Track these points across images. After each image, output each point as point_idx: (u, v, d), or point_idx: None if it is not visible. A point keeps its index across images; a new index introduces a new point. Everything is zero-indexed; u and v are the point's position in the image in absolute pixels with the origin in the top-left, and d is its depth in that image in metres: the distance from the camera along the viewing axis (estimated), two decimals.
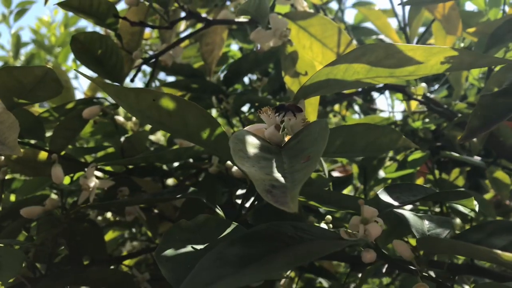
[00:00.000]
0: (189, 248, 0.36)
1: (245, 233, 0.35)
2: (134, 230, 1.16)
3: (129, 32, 0.70)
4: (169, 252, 0.35)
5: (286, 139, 0.46)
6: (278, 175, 0.34)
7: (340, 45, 0.68)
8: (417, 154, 0.90)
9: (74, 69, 0.75)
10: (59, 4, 0.56)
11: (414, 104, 0.93)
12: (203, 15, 0.77)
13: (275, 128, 0.44)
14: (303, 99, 0.46)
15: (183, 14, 0.71)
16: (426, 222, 0.45)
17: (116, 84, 0.65)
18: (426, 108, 0.93)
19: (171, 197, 0.51)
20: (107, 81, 0.67)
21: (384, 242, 0.56)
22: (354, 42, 1.05)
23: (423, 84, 0.97)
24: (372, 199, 0.43)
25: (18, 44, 2.15)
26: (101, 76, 0.65)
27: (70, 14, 2.17)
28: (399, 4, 0.72)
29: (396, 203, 0.41)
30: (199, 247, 0.37)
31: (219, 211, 0.49)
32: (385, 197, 0.42)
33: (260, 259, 0.32)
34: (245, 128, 0.45)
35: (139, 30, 0.70)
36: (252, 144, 0.39)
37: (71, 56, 2.16)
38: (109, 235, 1.11)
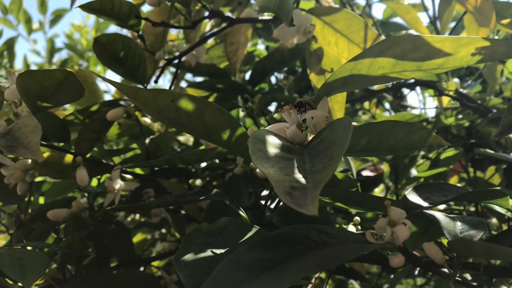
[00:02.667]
0: (208, 253, 0.35)
1: (265, 237, 0.34)
2: (164, 231, 1.16)
3: (152, 34, 0.70)
4: (188, 256, 0.34)
5: (310, 137, 0.44)
6: (298, 176, 0.33)
7: (367, 40, 0.66)
8: (450, 152, 0.87)
9: (93, 71, 0.74)
10: (81, 6, 0.56)
11: (446, 100, 0.90)
12: (227, 14, 0.77)
13: (297, 127, 0.42)
14: (326, 96, 0.45)
15: (206, 14, 0.71)
16: (459, 223, 0.42)
17: (137, 86, 0.65)
18: (459, 104, 0.90)
19: (194, 199, 0.50)
20: (131, 83, 0.67)
21: (414, 244, 0.53)
22: (382, 37, 1.02)
23: (456, 80, 0.93)
24: (400, 200, 0.41)
25: (52, 49, 2.20)
26: (124, 78, 0.65)
27: (101, 20, 2.21)
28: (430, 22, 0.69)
29: (425, 204, 0.38)
30: (219, 251, 0.36)
31: (242, 213, 0.48)
32: (414, 198, 0.40)
33: (280, 264, 0.31)
34: (267, 128, 0.44)
35: (162, 31, 0.70)
36: (273, 144, 0.38)
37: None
38: (138, 237, 1.11)
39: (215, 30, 0.96)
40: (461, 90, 0.92)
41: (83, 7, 0.56)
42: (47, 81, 0.49)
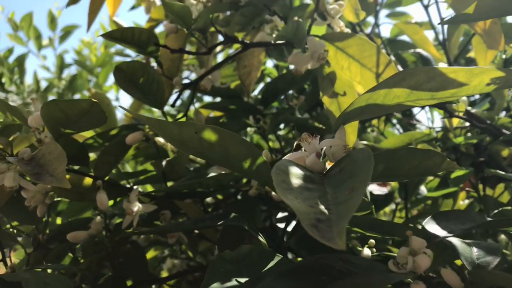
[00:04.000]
0: (234, 282, 0.36)
1: (291, 267, 0.35)
2: (174, 247, 1.17)
3: (169, 59, 0.72)
4: (215, 286, 0.36)
5: (328, 165, 0.46)
6: (322, 207, 0.34)
7: (379, 65, 0.67)
8: (460, 172, 0.88)
9: (121, 106, 0.76)
10: (103, 35, 0.58)
11: (456, 121, 0.91)
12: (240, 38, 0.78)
13: (316, 156, 0.44)
14: (343, 125, 0.46)
15: (220, 37, 0.72)
16: (475, 249, 0.44)
17: (158, 109, 0.66)
18: (468, 123, 0.91)
19: (213, 224, 0.52)
20: (149, 107, 0.68)
21: (430, 267, 0.54)
22: (392, 58, 1.04)
23: (464, 98, 0.95)
24: (420, 230, 0.42)
25: (62, 65, 2.23)
26: (142, 102, 0.67)
27: None
28: (439, 23, 0.71)
29: (444, 233, 0.40)
30: (243, 280, 0.37)
31: (261, 239, 0.49)
32: (433, 227, 0.41)
33: None
34: (286, 157, 0.46)
35: (178, 55, 0.72)
36: (295, 174, 0.39)
37: (112, 75, 2.23)
38: (150, 253, 1.12)
39: (228, 50, 0.98)
40: (469, 108, 0.93)
41: (105, 35, 0.58)
42: (72, 110, 0.51)
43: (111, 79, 2.25)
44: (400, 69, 1.10)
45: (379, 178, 0.49)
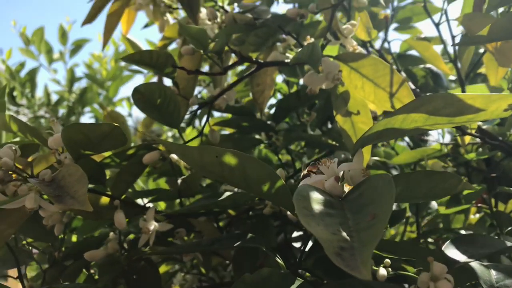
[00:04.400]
0: None
1: None
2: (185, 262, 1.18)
3: (184, 78, 0.73)
4: None
5: (346, 188, 0.46)
6: (344, 234, 0.34)
7: (393, 84, 0.68)
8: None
9: (129, 115, 0.77)
10: (123, 59, 0.59)
11: (468, 138, 0.91)
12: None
13: (335, 180, 0.44)
14: (361, 149, 0.47)
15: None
16: (494, 272, 0.44)
17: (174, 128, 0.67)
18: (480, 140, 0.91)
19: (230, 245, 0.52)
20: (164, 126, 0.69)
21: None
22: (403, 74, 1.04)
23: None
24: (439, 254, 0.42)
25: (72, 79, 2.26)
26: (159, 121, 0.68)
27: (121, 49, 2.26)
28: (452, 45, 0.71)
29: (464, 257, 0.40)
30: None
31: (279, 260, 0.50)
32: (453, 252, 0.41)
33: None
34: (305, 181, 0.46)
35: (194, 75, 0.73)
36: (316, 200, 0.40)
37: (121, 89, 2.25)
38: (162, 268, 1.13)
39: (238, 68, 0.99)
40: (480, 123, 0.93)
41: (125, 59, 0.59)
42: (93, 134, 0.52)
43: (121, 92, 2.27)
44: (411, 85, 1.10)
45: (396, 201, 0.50)
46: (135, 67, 1.61)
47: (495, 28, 0.56)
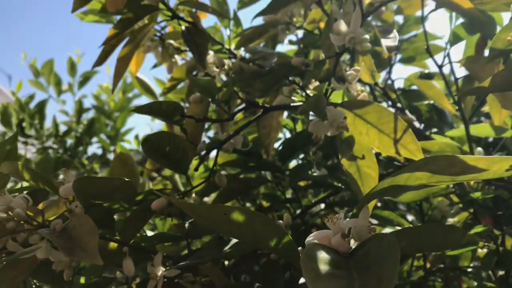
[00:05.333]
0: None
1: None
2: None
3: (192, 124, 0.74)
4: None
5: (352, 243, 0.47)
6: None
7: (397, 131, 0.69)
8: (479, 228, 0.88)
9: (138, 152, 0.79)
10: (135, 110, 0.61)
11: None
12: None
13: (342, 237, 0.45)
14: (367, 205, 0.48)
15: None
16: None
17: (182, 174, 0.68)
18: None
19: None
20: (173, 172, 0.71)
21: None
22: (408, 114, 1.05)
23: (479, 149, 0.96)
24: None
25: (80, 110, 2.29)
26: (167, 168, 0.69)
27: (128, 80, 2.30)
28: (455, 95, 0.73)
29: None
30: None
31: None
32: None
33: None
34: (311, 236, 0.47)
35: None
36: (322, 260, 0.40)
37: (129, 120, 2.29)
38: None
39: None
40: None
41: (136, 111, 0.61)
42: (104, 187, 0.53)
43: (129, 123, 2.30)
44: (417, 124, 1.12)
45: (401, 252, 0.50)
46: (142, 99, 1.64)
47: (496, 80, 0.57)
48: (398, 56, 1.22)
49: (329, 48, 0.75)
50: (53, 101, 2.37)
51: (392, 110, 1.16)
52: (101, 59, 0.91)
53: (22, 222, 0.58)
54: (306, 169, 0.97)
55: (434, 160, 0.43)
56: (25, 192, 0.73)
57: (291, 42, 1.03)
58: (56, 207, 0.70)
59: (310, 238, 0.47)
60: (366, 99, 0.76)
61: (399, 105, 1.14)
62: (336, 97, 0.83)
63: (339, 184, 0.87)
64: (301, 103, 0.79)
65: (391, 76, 1.13)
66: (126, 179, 0.50)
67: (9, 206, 0.57)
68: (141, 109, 0.61)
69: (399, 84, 1.77)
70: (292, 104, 0.79)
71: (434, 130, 1.26)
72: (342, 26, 0.64)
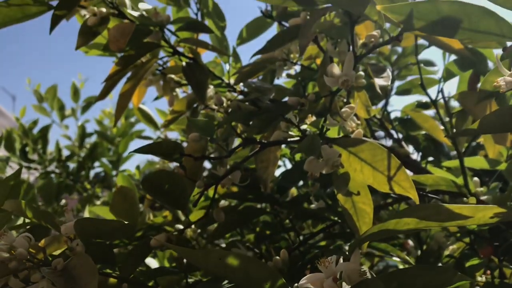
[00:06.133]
0: None
1: None
2: None
3: (191, 160, 0.76)
4: None
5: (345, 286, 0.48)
6: None
7: (391, 168, 0.71)
8: (476, 260, 0.89)
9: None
10: (135, 151, 0.63)
11: None
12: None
13: (333, 281, 0.47)
14: (358, 249, 0.49)
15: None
16: None
17: (180, 210, 0.70)
18: None
19: None
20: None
21: None
22: (407, 147, 1.07)
23: (475, 179, 0.97)
24: None
25: (83, 135, 2.32)
26: (167, 205, 0.71)
27: (130, 106, 2.33)
28: (449, 136, 0.75)
29: None
30: None
31: None
32: None
33: None
34: (304, 280, 0.48)
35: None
36: None
37: (131, 144, 2.31)
38: None
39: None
40: (480, 190, 0.95)
41: (138, 151, 0.63)
42: (105, 227, 0.55)
43: (131, 147, 2.33)
44: (414, 157, 1.14)
45: None
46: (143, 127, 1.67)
47: (485, 122, 0.59)
48: (395, 86, 1.25)
49: (324, 86, 0.77)
50: (56, 125, 2.41)
51: (389, 141, 1.18)
52: (104, 94, 0.93)
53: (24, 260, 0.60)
54: (303, 201, 0.98)
55: (422, 209, 0.45)
56: (27, 227, 0.76)
57: (288, 76, 1.05)
58: (57, 242, 0.71)
59: (303, 282, 0.48)
60: (361, 135, 0.78)
61: (395, 136, 1.16)
62: (332, 132, 0.85)
63: (336, 218, 0.88)
64: (297, 138, 0.81)
65: (387, 107, 1.16)
66: (125, 222, 0.52)
67: (12, 246, 0.58)
68: (141, 150, 0.63)
69: (397, 112, 1.80)
70: (289, 139, 0.81)
71: (431, 158, 1.28)
72: (335, 69, 0.66)
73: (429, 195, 0.85)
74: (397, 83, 1.27)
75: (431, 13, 0.56)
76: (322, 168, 0.68)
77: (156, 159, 1.82)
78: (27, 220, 0.75)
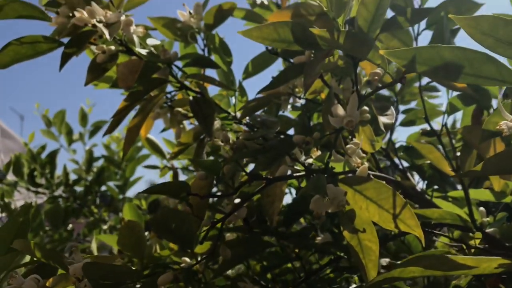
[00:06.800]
0: None
1: None
2: None
3: (197, 198, 0.77)
4: None
5: None
6: None
7: (396, 206, 0.71)
8: None
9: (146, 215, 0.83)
10: (144, 191, 0.64)
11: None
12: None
13: None
14: None
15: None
16: None
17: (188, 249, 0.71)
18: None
19: None
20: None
21: None
22: (412, 178, 1.08)
23: (481, 208, 0.97)
24: None
25: (91, 159, 2.34)
26: (173, 243, 0.72)
27: None
28: (455, 176, 0.75)
29: None
30: None
31: None
32: None
33: None
34: None
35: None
36: None
37: (138, 169, 2.32)
38: None
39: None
40: (485, 220, 0.95)
41: (146, 192, 0.64)
42: (111, 269, 0.55)
43: (137, 172, 2.34)
44: (419, 187, 1.14)
45: None
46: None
47: (489, 165, 0.59)
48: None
49: (329, 123, 0.78)
50: (64, 150, 2.43)
51: (393, 177, 1.18)
52: (112, 128, 0.95)
53: None
54: (309, 233, 0.98)
55: (426, 258, 0.45)
56: (35, 265, 0.76)
57: (294, 108, 1.06)
58: (65, 281, 0.72)
59: None
60: (366, 171, 0.79)
61: (400, 166, 1.17)
62: (338, 166, 0.85)
63: (342, 254, 0.89)
64: (303, 172, 0.82)
65: (392, 138, 1.17)
66: (133, 268, 0.53)
67: None
68: (152, 190, 0.65)
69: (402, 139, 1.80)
70: (294, 174, 0.82)
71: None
72: (340, 110, 0.67)
73: (434, 231, 0.85)
74: (401, 107, 1.28)
75: (433, 59, 0.57)
76: (328, 207, 0.69)
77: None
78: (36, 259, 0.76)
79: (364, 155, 0.84)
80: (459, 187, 1.07)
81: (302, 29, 0.64)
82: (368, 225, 0.75)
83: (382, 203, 0.72)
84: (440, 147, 1.01)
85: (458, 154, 0.97)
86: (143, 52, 0.86)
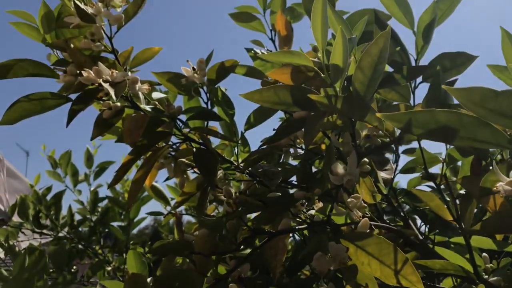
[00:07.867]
0: None
1: None
2: None
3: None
4: None
5: None
6: None
7: (397, 262, 0.72)
8: None
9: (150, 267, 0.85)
10: (151, 251, 0.65)
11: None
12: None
13: None
14: None
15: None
16: None
17: None
18: None
19: None
20: None
21: None
22: (413, 225, 1.08)
23: (485, 255, 0.97)
24: None
25: (96, 200, 2.35)
26: None
27: None
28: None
29: None
30: None
31: None
32: None
33: None
34: None
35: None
36: None
37: (142, 209, 2.33)
38: None
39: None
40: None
41: (154, 253, 0.65)
42: None
43: (142, 212, 2.35)
44: (421, 234, 1.14)
45: None
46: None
47: (487, 225, 0.61)
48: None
49: (329, 178, 0.80)
50: (69, 190, 2.44)
51: (395, 227, 1.19)
52: (116, 181, 0.97)
53: None
54: (312, 284, 0.99)
55: None
56: None
57: (295, 158, 1.08)
58: None
59: None
60: (367, 224, 0.80)
61: (401, 212, 1.17)
62: (339, 218, 0.86)
63: None
64: (305, 225, 0.83)
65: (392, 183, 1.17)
66: None
67: None
68: (157, 250, 0.66)
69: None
70: (297, 227, 0.83)
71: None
72: (339, 169, 0.69)
73: (436, 286, 0.86)
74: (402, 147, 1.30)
75: (429, 122, 0.59)
76: (330, 264, 0.70)
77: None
78: None
79: (365, 205, 0.85)
80: None
81: (301, 93, 0.66)
82: (370, 280, 0.76)
83: (383, 259, 0.73)
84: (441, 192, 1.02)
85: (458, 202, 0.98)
86: (148, 108, 0.89)
